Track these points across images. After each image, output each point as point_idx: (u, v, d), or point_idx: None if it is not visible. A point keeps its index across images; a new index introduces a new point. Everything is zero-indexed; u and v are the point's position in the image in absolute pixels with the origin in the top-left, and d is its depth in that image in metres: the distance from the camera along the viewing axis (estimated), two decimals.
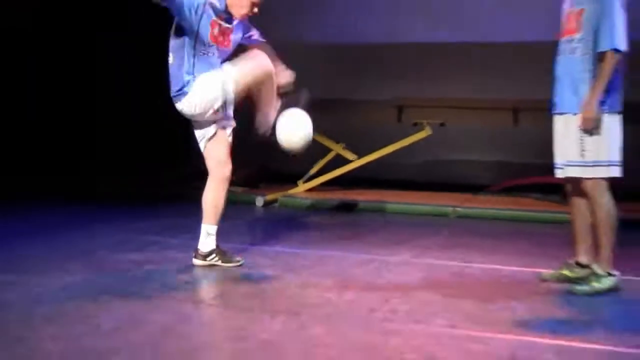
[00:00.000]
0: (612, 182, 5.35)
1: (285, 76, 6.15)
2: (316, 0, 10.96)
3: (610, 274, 5.37)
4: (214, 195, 5.89)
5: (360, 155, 9.46)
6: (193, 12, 5.64)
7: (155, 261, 6.19)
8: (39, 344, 4.25)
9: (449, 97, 9.87)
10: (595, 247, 5.44)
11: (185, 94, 5.76)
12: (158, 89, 6.07)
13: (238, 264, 5.95)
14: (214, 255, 5.91)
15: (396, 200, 9.13)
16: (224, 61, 5.91)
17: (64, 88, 12.01)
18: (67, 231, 7.26)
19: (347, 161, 9.53)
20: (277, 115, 5.96)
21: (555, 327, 4.76)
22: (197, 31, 5.69)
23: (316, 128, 9.48)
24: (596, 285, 5.36)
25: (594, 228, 5.43)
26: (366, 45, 10.78)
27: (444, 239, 7.36)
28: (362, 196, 9.31)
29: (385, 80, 10.39)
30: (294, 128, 5.93)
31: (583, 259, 5.57)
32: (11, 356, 4.02)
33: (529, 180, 9.26)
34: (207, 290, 5.50)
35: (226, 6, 5.80)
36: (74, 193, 9.73)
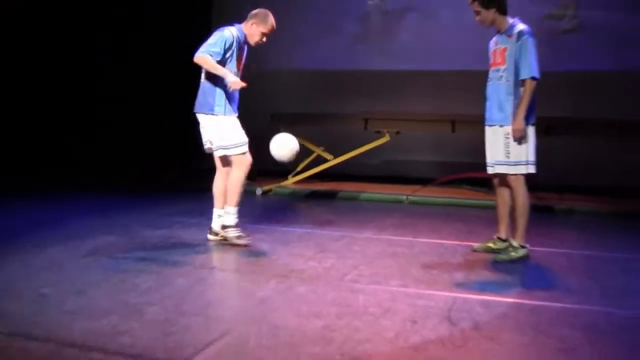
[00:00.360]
0: (528, 176, 5.40)
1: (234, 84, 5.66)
2: (305, 35, 10.91)
3: (523, 246, 5.44)
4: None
5: (336, 155, 9.44)
6: (228, 51, 5.59)
7: (178, 236, 6.16)
8: (95, 297, 4.25)
9: (403, 111, 9.87)
10: (513, 226, 5.51)
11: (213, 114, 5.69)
12: (167, 90, 5.83)
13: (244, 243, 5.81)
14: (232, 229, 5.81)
15: (362, 190, 9.12)
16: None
17: (66, 87, 11.00)
18: (108, 212, 7.20)
19: (325, 160, 9.51)
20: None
21: (483, 286, 4.77)
22: (230, 63, 5.63)
23: (302, 135, 9.55)
24: (513, 254, 5.43)
25: (513, 211, 5.50)
26: (342, 71, 10.78)
27: (399, 220, 7.35)
28: (337, 187, 9.29)
29: (354, 98, 10.39)
30: (283, 147, 5.83)
31: (503, 234, 5.66)
32: (74, 309, 4.01)
33: (462, 175, 9.28)
34: (218, 259, 5.47)
35: (245, 36, 5.73)
36: (107, 185, 9.61)
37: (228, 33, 5.60)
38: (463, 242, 6.14)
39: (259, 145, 6.11)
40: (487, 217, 7.15)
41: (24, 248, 5.52)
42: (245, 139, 5.73)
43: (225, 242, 5.83)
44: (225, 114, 5.69)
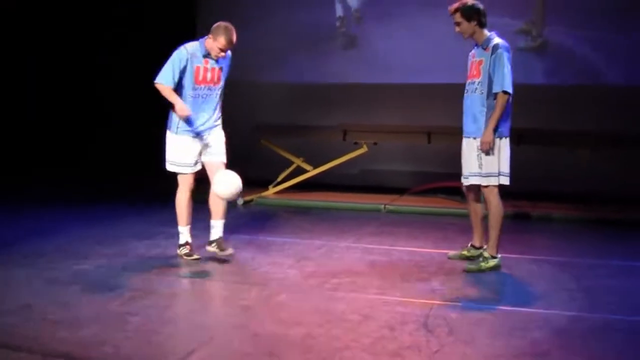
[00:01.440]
0: (502, 187, 5.42)
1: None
2: (285, 49, 10.92)
3: (494, 257, 5.44)
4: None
5: (315, 166, 9.44)
6: (183, 70, 5.45)
7: (162, 246, 6.14)
8: (78, 306, 4.24)
9: (380, 123, 9.89)
10: (486, 235, 5.51)
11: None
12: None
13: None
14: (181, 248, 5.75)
15: (341, 200, 9.13)
16: (217, 96, 5.65)
17: (64, 88, 10.74)
18: (97, 221, 7.15)
19: (305, 171, 9.51)
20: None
21: (459, 293, 4.81)
22: (185, 79, 5.49)
23: (283, 146, 9.57)
24: (483, 264, 5.42)
25: (487, 220, 5.50)
26: (321, 84, 10.77)
27: (377, 229, 7.36)
28: (317, 197, 9.29)
29: (334, 111, 10.38)
30: (226, 186, 5.38)
31: (477, 242, 5.67)
32: (58, 318, 4.00)
33: (438, 184, 9.31)
34: (200, 268, 5.44)
35: (206, 50, 5.53)
36: (99, 192, 9.52)
37: (182, 51, 5.47)
38: (439, 250, 6.16)
39: (242, 156, 6.08)
40: (463, 224, 7.18)
41: (12, 259, 5.49)
42: (188, 161, 5.61)
43: (220, 254, 5.76)
44: (176, 133, 5.59)
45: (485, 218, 5.55)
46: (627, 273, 5.46)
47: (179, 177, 5.68)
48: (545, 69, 9.88)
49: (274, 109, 10.89)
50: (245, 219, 7.96)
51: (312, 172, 9.47)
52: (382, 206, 8.76)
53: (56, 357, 3.41)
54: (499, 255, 5.45)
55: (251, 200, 9.15)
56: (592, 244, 6.70)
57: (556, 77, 9.78)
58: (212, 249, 5.72)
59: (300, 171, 9.52)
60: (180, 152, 5.60)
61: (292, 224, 7.76)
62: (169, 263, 5.52)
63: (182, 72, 5.47)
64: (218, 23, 5.50)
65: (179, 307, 4.32)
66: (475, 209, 5.65)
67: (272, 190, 9.51)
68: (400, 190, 9.63)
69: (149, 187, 9.72)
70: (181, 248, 5.72)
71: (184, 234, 5.73)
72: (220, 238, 5.71)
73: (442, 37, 9.56)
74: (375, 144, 9.17)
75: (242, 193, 5.66)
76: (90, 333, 3.75)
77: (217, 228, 5.73)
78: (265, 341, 3.70)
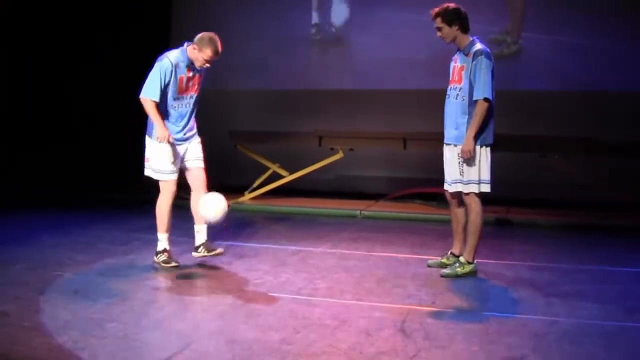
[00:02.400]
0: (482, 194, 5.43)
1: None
2: (260, 57, 10.92)
3: (470, 263, 5.47)
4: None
5: (291, 172, 9.46)
6: (167, 81, 5.41)
7: (138, 252, 6.11)
8: (54, 313, 4.21)
9: (356, 129, 9.92)
10: (465, 242, 5.53)
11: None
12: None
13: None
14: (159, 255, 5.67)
15: (317, 206, 9.15)
16: (195, 103, 5.65)
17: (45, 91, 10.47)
18: (70, 228, 7.09)
19: (281, 177, 9.52)
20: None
21: (435, 298, 4.83)
22: (168, 90, 5.45)
23: (259, 152, 9.56)
24: (458, 270, 5.44)
25: (466, 227, 5.52)
26: (297, 91, 10.81)
27: (353, 234, 7.38)
28: (292, 203, 9.30)
29: (309, 117, 10.41)
30: (211, 209, 5.43)
31: (457, 251, 5.65)
32: (34, 325, 3.97)
33: (414, 190, 9.36)
34: (176, 274, 5.42)
35: (189, 59, 5.49)
36: (72, 199, 9.42)
37: (166, 62, 5.40)
38: (416, 255, 6.20)
39: (218, 162, 6.08)
40: (439, 230, 7.24)
41: None
42: (171, 168, 5.56)
43: (205, 257, 5.75)
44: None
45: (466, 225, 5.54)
46: (602, 278, 5.52)
47: (161, 184, 5.63)
48: (519, 75, 9.99)
49: (250, 115, 10.90)
50: (221, 224, 7.94)
51: (288, 178, 9.48)
52: (358, 212, 8.79)
53: None
54: (475, 261, 5.49)
55: (228, 206, 9.14)
56: (567, 250, 6.78)
57: (530, 83, 9.89)
58: (199, 254, 5.72)
59: (276, 177, 9.53)
60: (161, 159, 5.55)
61: (268, 230, 7.77)
62: (145, 270, 5.50)
63: (167, 84, 5.42)
64: (202, 34, 5.44)
65: (155, 313, 4.30)
66: (457, 216, 5.62)
67: (248, 196, 9.51)
68: (376, 196, 9.67)
69: (123, 195, 9.69)
70: (159, 255, 5.66)
71: (162, 241, 5.67)
72: (206, 241, 5.72)
73: (418, 44, 9.70)
74: (351, 149, 9.21)
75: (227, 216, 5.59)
76: (67, 340, 3.72)
77: (202, 232, 5.74)
78: (242, 347, 3.70)
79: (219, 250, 5.73)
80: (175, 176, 5.63)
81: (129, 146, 10.31)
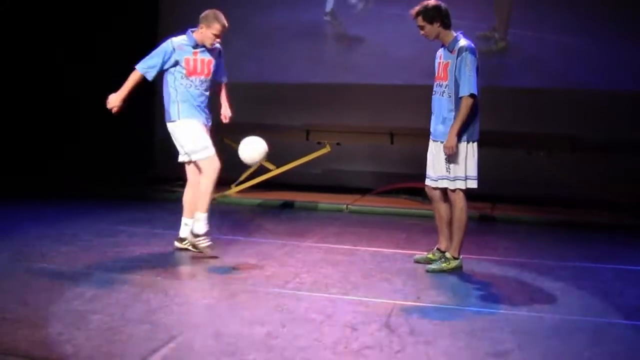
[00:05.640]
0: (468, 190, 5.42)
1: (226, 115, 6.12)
2: (248, 50, 10.88)
3: (456, 258, 5.48)
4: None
5: (278, 165, 9.44)
6: (168, 61, 5.56)
7: (122, 245, 6.08)
8: (38, 305, 4.17)
9: (343, 123, 9.92)
10: (450, 238, 5.53)
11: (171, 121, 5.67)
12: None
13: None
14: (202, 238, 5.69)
15: (304, 200, 9.14)
16: (207, 89, 5.79)
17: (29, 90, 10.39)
18: (55, 221, 7.04)
19: (268, 170, 9.50)
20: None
21: (421, 293, 4.83)
22: (176, 70, 5.61)
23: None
24: (444, 265, 5.45)
25: (451, 223, 5.51)
26: (284, 84, 10.79)
27: (339, 229, 7.38)
28: (279, 196, 9.29)
29: (297, 110, 10.40)
30: (251, 149, 5.73)
31: (443, 246, 5.65)
32: (18, 317, 3.94)
33: (400, 185, 9.38)
34: (162, 267, 5.39)
35: (196, 41, 5.64)
36: (56, 192, 9.36)
37: (167, 44, 5.59)
38: (402, 250, 6.20)
39: None
40: (426, 225, 7.25)
41: None
42: (206, 143, 5.62)
43: (189, 250, 5.75)
44: (179, 118, 5.62)
45: (451, 221, 5.53)
46: (586, 275, 5.55)
47: (202, 163, 5.62)
48: (506, 71, 10.01)
49: (237, 108, 10.77)
50: (208, 218, 7.92)
51: (275, 172, 9.47)
52: (345, 206, 8.79)
53: (16, 357, 3.35)
54: (461, 257, 5.50)
55: (213, 199, 9.12)
56: (552, 246, 6.81)
57: (516, 80, 9.91)
58: (182, 245, 5.78)
59: (263, 170, 9.51)
60: (193, 137, 5.62)
61: (254, 223, 7.75)
62: (130, 261, 5.47)
63: (166, 63, 5.57)
64: (205, 12, 5.64)
65: (141, 306, 4.28)
66: (439, 212, 5.61)
67: (234, 189, 9.48)
68: (363, 191, 9.68)
69: (107, 187, 9.65)
70: (200, 239, 5.65)
71: (202, 221, 5.62)
72: (192, 235, 5.74)
73: (406, 39, 9.69)
74: (338, 144, 9.22)
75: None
76: (51, 332, 3.70)
77: (189, 226, 5.77)
78: (227, 340, 3.68)
79: (206, 249, 5.70)
80: (214, 150, 5.66)
81: (115, 138, 10.35)
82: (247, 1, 10.87)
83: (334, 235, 6.98)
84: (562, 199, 8.98)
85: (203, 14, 5.63)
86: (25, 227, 6.67)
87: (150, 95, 9.20)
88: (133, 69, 5.58)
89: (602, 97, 9.45)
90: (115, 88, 5.54)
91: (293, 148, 9.57)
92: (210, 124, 5.88)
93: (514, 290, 5.02)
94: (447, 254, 5.49)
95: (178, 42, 5.61)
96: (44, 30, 10.47)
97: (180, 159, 5.79)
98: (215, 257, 5.64)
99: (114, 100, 5.47)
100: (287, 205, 8.95)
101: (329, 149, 9.12)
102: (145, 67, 5.55)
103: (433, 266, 5.49)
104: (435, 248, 5.73)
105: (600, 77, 9.55)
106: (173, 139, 5.72)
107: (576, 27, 9.64)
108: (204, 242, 5.66)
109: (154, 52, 5.60)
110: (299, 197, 9.28)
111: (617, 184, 8.84)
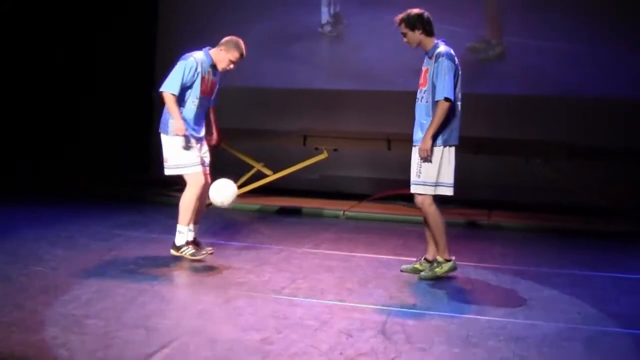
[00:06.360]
0: (442, 197, 5.39)
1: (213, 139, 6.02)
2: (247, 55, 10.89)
3: (448, 260, 5.46)
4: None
5: (275, 171, 9.45)
6: (190, 79, 5.54)
7: (119, 249, 6.08)
8: (33, 308, 4.17)
9: (340, 129, 9.93)
10: (435, 244, 5.50)
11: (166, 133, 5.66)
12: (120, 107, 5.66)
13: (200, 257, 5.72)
14: (184, 248, 5.70)
15: (300, 205, 9.14)
16: (206, 109, 5.83)
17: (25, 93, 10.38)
18: (51, 224, 7.03)
19: (265, 175, 9.50)
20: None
21: (416, 300, 4.84)
22: (192, 88, 5.59)
23: (243, 150, 9.54)
24: (437, 270, 5.43)
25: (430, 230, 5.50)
26: (282, 90, 10.81)
27: (335, 235, 7.38)
28: (276, 202, 9.29)
29: (295, 116, 10.43)
30: (222, 194, 5.68)
31: (429, 256, 5.59)
32: (12, 321, 3.93)
33: (397, 192, 9.37)
34: (158, 272, 5.39)
35: (213, 61, 5.68)
36: (52, 195, 9.33)
37: (191, 61, 5.56)
38: (398, 257, 6.20)
39: None
40: (421, 232, 7.17)
41: None
42: (195, 160, 5.64)
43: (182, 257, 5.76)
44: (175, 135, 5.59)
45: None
46: (582, 282, 5.56)
47: (188, 178, 5.67)
48: (502, 79, 10.03)
49: (234, 113, 10.86)
50: (204, 223, 7.91)
51: (272, 177, 9.47)
52: (342, 212, 8.79)
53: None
54: (453, 257, 5.48)
55: (210, 204, 9.11)
56: (549, 253, 6.82)
57: (513, 88, 9.94)
58: (178, 253, 5.74)
59: (260, 176, 9.51)
60: (183, 152, 5.62)
61: (251, 229, 7.75)
62: (126, 266, 5.46)
63: (189, 81, 5.56)
64: (229, 37, 5.72)
65: (136, 310, 4.27)
66: (425, 220, 5.55)
67: None
68: (359, 197, 9.68)
69: (103, 188, 9.64)
70: (183, 249, 5.68)
71: (184, 233, 5.68)
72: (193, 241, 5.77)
73: (402, 45, 9.68)
74: (335, 150, 9.22)
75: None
76: (46, 336, 3.69)
77: (193, 232, 5.79)
78: (223, 346, 3.68)
79: (201, 257, 5.71)
80: (201, 168, 5.68)
81: (113, 140, 10.34)
82: (245, 6, 10.90)
83: (331, 241, 6.98)
84: (558, 206, 8.99)
85: (226, 38, 5.69)
86: (22, 229, 6.67)
87: (150, 96, 9.23)
88: (160, 93, 5.56)
89: (599, 104, 9.47)
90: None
91: (290, 154, 9.59)
92: (203, 140, 5.85)
93: (510, 297, 5.03)
94: (439, 258, 5.46)
95: (200, 60, 5.61)
96: (44, 30, 10.49)
97: (167, 172, 5.75)
98: (203, 262, 5.66)
99: (179, 127, 5.47)
100: (284, 211, 8.95)
101: (326, 155, 9.12)
102: (175, 88, 5.50)
103: (427, 273, 5.47)
104: (422, 258, 5.67)
105: (597, 83, 9.58)
106: (163, 149, 5.71)
107: (573, 34, 9.68)
108: (187, 252, 5.68)
109: (177, 70, 5.52)
110: (296, 203, 9.28)
111: (614, 191, 8.85)
